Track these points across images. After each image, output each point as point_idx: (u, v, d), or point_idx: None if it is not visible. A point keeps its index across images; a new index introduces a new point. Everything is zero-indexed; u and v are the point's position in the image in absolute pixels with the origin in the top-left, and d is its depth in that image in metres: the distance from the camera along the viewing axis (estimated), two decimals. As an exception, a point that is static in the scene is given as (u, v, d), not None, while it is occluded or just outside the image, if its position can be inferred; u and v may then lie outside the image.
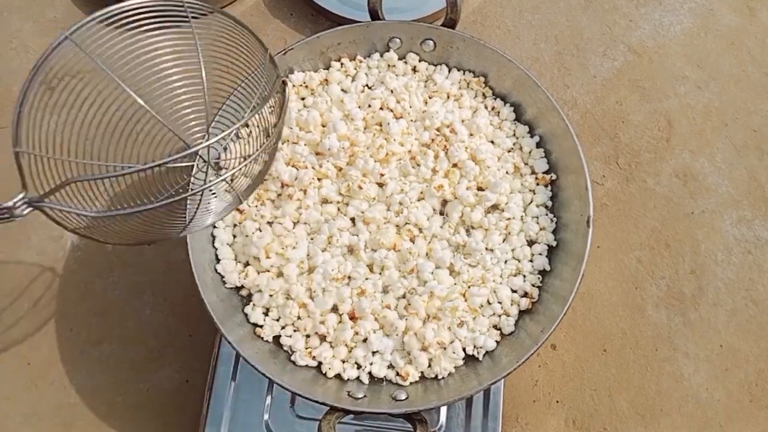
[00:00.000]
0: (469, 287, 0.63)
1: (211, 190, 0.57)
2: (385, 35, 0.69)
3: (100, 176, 0.53)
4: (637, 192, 0.85)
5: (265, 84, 0.58)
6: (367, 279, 0.63)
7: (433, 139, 0.66)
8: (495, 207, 0.66)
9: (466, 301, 0.63)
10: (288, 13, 0.96)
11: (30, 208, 0.49)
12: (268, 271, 0.64)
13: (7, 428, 0.78)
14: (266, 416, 0.70)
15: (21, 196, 0.49)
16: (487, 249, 0.64)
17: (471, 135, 0.67)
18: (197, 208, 0.56)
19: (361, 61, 0.71)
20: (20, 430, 0.78)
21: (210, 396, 0.71)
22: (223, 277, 0.65)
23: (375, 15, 0.68)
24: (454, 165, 0.66)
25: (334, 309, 0.63)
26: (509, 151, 0.69)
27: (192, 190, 0.56)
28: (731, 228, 0.84)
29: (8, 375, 0.80)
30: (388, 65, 0.71)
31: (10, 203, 0.49)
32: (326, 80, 0.71)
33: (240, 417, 0.70)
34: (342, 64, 0.71)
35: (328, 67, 0.71)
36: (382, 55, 0.71)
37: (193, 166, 0.58)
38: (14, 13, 0.98)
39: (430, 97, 0.69)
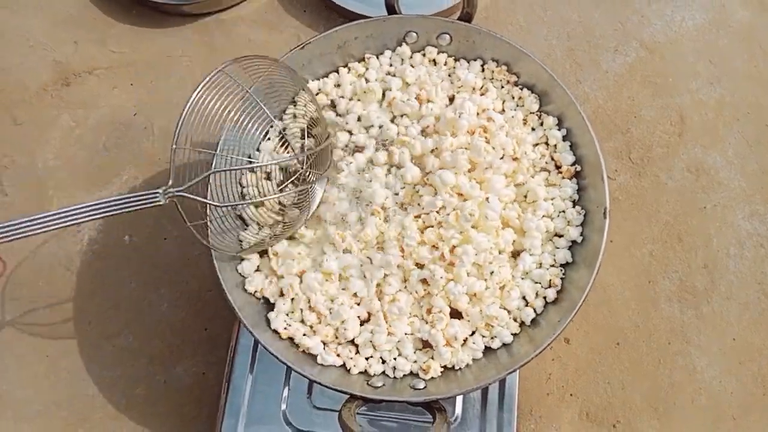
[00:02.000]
0: (501, 287, 0.63)
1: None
2: (402, 29, 0.69)
3: (236, 167, 0.66)
4: (650, 186, 0.86)
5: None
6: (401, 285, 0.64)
7: (473, 131, 0.66)
8: (527, 203, 0.66)
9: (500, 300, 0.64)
10: (302, 10, 0.97)
11: (170, 196, 0.58)
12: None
13: (27, 416, 0.79)
14: (284, 406, 0.71)
15: (170, 183, 0.58)
16: (529, 253, 0.65)
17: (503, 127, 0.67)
18: (311, 199, 0.65)
19: (369, 58, 0.71)
20: (39, 419, 0.79)
21: (228, 388, 0.72)
22: (244, 278, 0.66)
23: (392, 9, 0.69)
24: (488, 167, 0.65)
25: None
26: (536, 145, 0.69)
27: (307, 182, 0.66)
28: (743, 222, 0.84)
29: (27, 366, 0.81)
30: (402, 60, 0.71)
31: (159, 190, 0.57)
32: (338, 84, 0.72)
33: (257, 408, 0.71)
34: (349, 69, 0.72)
35: (346, 65, 0.72)
36: (394, 51, 0.72)
37: (298, 170, 0.68)
38: (31, 11, 0.99)
39: (456, 93, 0.70)
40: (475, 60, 0.70)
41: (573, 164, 0.66)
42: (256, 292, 0.64)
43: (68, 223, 0.55)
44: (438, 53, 0.71)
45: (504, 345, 0.62)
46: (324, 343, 0.63)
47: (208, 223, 0.63)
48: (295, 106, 0.70)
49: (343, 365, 0.62)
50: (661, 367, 0.79)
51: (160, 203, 0.57)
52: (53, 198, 0.89)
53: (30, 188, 0.89)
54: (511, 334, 0.62)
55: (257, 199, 0.66)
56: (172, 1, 0.94)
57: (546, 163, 0.67)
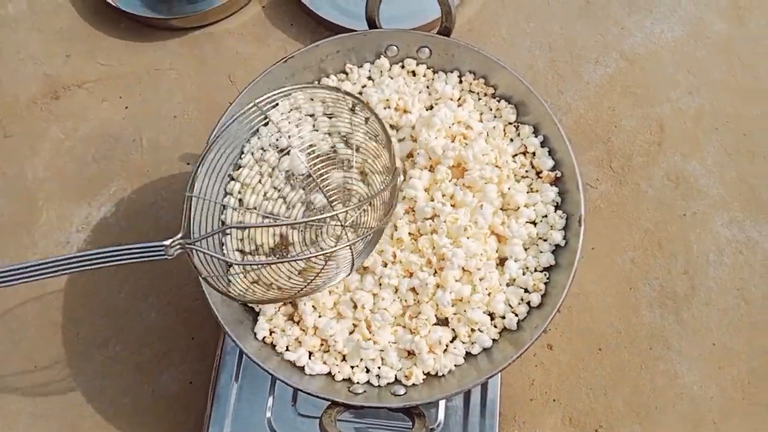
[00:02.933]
0: (489, 294, 0.64)
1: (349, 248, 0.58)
2: (383, 43, 0.71)
3: (255, 225, 0.57)
4: (631, 195, 0.87)
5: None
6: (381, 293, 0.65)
7: (453, 137, 0.67)
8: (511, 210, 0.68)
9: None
10: (288, 24, 0.99)
11: (181, 250, 0.52)
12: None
13: (16, 429, 0.80)
14: (269, 414, 0.71)
15: (179, 236, 0.52)
16: (514, 259, 0.66)
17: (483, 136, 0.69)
18: (336, 265, 0.58)
19: (350, 70, 0.73)
20: (28, 431, 0.80)
21: (213, 396, 0.73)
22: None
23: (372, 23, 0.70)
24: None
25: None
26: (515, 156, 0.70)
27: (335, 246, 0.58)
28: (723, 229, 0.86)
29: (16, 376, 0.82)
30: (381, 72, 0.73)
31: (167, 242, 0.52)
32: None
33: (243, 416, 0.72)
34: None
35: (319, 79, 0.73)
36: (373, 63, 0.73)
37: (331, 227, 0.60)
38: (21, 25, 1.00)
39: (433, 105, 0.71)
40: (452, 72, 0.72)
41: (553, 169, 0.68)
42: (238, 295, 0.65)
43: (65, 272, 0.51)
44: (417, 65, 0.73)
45: (485, 350, 0.63)
46: (310, 353, 0.64)
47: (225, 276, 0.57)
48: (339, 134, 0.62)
49: (329, 373, 0.63)
50: (642, 373, 0.80)
51: (167, 257, 0.52)
52: (43, 209, 0.90)
53: (20, 200, 0.90)
54: (492, 339, 0.64)
55: (282, 259, 0.57)
56: (161, 15, 0.96)
57: (526, 171, 0.69)
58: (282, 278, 0.59)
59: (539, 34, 0.97)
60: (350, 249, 0.54)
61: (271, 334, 0.65)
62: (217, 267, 0.58)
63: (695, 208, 0.87)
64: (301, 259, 0.56)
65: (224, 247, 0.64)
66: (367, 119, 0.60)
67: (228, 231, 0.58)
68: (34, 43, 0.99)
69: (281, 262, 0.56)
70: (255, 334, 0.65)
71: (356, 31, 0.72)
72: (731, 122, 0.91)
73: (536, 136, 0.69)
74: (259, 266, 0.59)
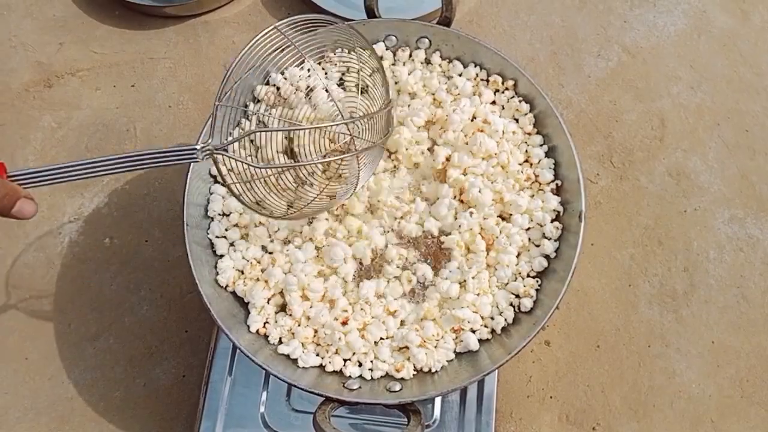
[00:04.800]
0: (477, 294, 0.63)
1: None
2: (381, 33, 0.70)
3: (279, 129, 0.62)
4: (631, 190, 0.86)
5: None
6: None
7: (471, 133, 0.66)
8: (502, 218, 0.67)
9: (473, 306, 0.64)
10: (286, 13, 0.97)
11: (208, 154, 0.54)
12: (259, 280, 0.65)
13: (6, 423, 0.78)
14: (262, 409, 0.70)
15: (209, 140, 0.55)
16: (503, 264, 0.65)
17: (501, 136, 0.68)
18: (359, 168, 0.61)
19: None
20: (19, 425, 0.78)
21: (206, 390, 0.71)
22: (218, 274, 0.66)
23: (371, 13, 0.69)
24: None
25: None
26: (521, 164, 0.69)
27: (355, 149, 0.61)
28: (723, 226, 0.85)
29: (6, 370, 0.80)
30: (394, 62, 0.72)
31: (198, 145, 0.54)
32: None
33: (236, 410, 0.70)
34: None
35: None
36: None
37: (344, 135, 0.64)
38: (13, 11, 0.98)
39: (453, 100, 0.70)
40: (466, 66, 0.71)
41: (552, 182, 0.67)
42: (227, 286, 0.64)
43: (94, 174, 0.51)
44: (431, 53, 0.72)
45: (480, 347, 0.63)
46: (303, 344, 0.63)
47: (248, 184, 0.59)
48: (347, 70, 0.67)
49: (321, 366, 0.62)
50: (640, 370, 0.79)
51: (197, 160, 0.54)
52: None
53: (10, 189, 0.88)
54: (483, 339, 0.63)
55: (301, 162, 0.61)
56: (156, 3, 0.94)
57: (529, 180, 0.68)
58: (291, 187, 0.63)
59: (540, 27, 0.95)
60: (357, 159, 0.59)
61: (264, 325, 0.64)
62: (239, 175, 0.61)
63: (696, 204, 0.86)
64: (320, 162, 0.61)
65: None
66: (368, 55, 0.64)
67: (252, 136, 0.61)
68: (26, 30, 0.97)
69: (305, 165, 0.61)
70: (248, 327, 0.64)
71: (351, 20, 0.70)
72: (733, 118, 0.90)
73: (541, 145, 0.68)
74: (277, 172, 0.61)
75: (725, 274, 0.83)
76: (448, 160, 0.66)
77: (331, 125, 0.59)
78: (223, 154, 0.55)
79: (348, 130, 0.60)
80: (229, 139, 0.55)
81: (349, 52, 0.69)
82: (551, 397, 0.78)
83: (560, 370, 0.79)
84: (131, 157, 0.51)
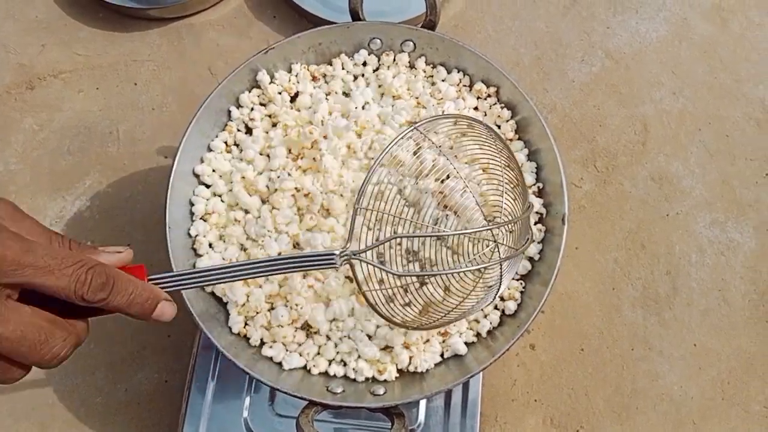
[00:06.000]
0: (463, 299, 0.63)
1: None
2: (366, 36, 0.70)
3: (424, 234, 0.57)
4: (614, 194, 0.87)
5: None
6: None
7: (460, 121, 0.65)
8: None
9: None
10: (271, 16, 0.97)
11: (346, 260, 0.53)
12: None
13: (-18, 428, 0.77)
14: (245, 414, 0.70)
15: (348, 246, 0.53)
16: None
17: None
18: (501, 276, 0.57)
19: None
20: (-5, 431, 0.77)
21: (189, 395, 0.71)
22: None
23: (356, 16, 0.69)
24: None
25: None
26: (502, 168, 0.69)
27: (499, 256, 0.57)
28: (704, 230, 0.86)
29: (-17, 375, 0.79)
30: (378, 65, 0.72)
31: (337, 251, 0.52)
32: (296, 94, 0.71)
33: (219, 416, 0.70)
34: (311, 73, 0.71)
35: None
36: (351, 57, 0.71)
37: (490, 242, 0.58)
38: (-6, 12, 0.97)
39: (437, 103, 0.70)
40: (450, 72, 0.71)
41: (534, 185, 0.67)
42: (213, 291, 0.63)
43: (234, 279, 0.51)
44: (416, 57, 0.72)
45: (466, 350, 0.63)
46: (284, 345, 0.63)
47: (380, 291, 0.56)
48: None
49: (305, 367, 0.62)
50: (624, 373, 0.79)
51: (336, 266, 0.52)
52: (15, 202, 0.86)
53: (-10, 192, 0.87)
54: (469, 343, 0.63)
55: (444, 271, 0.55)
56: (140, 5, 0.93)
57: (511, 183, 0.68)
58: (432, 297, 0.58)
59: (524, 32, 0.96)
60: (500, 266, 0.56)
61: (245, 326, 0.64)
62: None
63: (678, 208, 0.87)
64: (466, 270, 0.55)
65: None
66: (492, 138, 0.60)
67: (398, 241, 0.57)
68: (7, 31, 0.96)
69: (454, 273, 0.55)
70: (230, 328, 0.63)
71: (337, 23, 0.71)
72: (713, 123, 0.91)
73: (522, 150, 0.69)
74: (416, 280, 0.58)
75: (707, 278, 0.84)
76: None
77: (484, 229, 0.55)
78: (361, 260, 0.53)
79: (492, 234, 0.56)
80: (369, 244, 0.52)
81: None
82: (536, 401, 0.78)
83: (544, 373, 0.79)
84: (271, 263, 0.51)
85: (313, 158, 0.65)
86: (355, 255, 0.52)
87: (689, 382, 0.79)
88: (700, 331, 0.81)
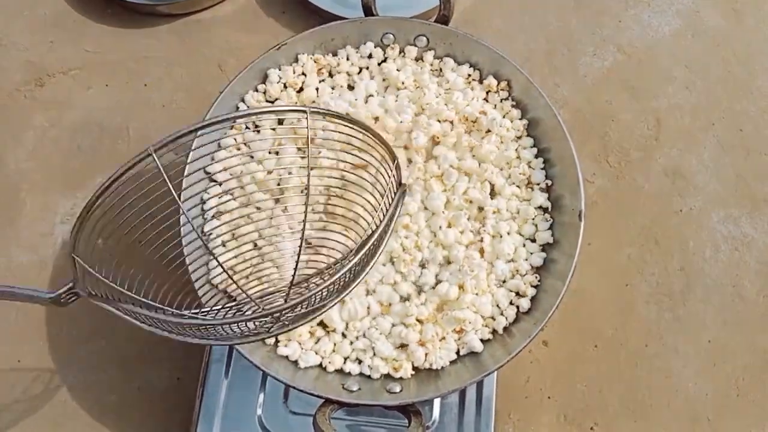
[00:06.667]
0: (476, 294, 0.63)
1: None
2: (379, 31, 0.69)
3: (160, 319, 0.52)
4: (627, 190, 0.87)
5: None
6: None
7: (466, 118, 0.65)
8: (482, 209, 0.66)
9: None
10: (280, 11, 0.96)
11: (74, 297, 0.51)
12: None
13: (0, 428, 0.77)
14: (259, 411, 0.70)
15: (67, 287, 0.52)
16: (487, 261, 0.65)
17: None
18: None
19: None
20: (11, 430, 0.77)
21: (202, 393, 0.71)
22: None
23: (368, 11, 0.68)
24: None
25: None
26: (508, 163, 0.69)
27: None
28: (719, 225, 0.85)
29: (-3, 373, 0.79)
30: (384, 59, 0.71)
31: (53, 294, 0.50)
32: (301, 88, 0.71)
33: (233, 413, 0.70)
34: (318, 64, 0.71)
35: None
36: (357, 49, 0.71)
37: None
38: (3, 10, 0.97)
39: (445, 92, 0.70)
40: (461, 65, 0.70)
41: (543, 181, 0.67)
42: (221, 283, 0.63)
43: None
44: (427, 51, 0.71)
45: (482, 347, 0.62)
46: (299, 343, 0.62)
47: None
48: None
49: (320, 365, 0.62)
50: (638, 370, 0.79)
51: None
52: (26, 200, 0.87)
53: (2, 190, 0.87)
54: (485, 339, 0.63)
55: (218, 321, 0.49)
56: (149, 1, 0.93)
57: (524, 174, 0.68)
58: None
59: (535, 26, 0.95)
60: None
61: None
62: None
63: (691, 204, 0.86)
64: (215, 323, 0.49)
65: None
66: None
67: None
68: (17, 28, 0.96)
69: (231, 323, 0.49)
70: None
71: (349, 18, 0.70)
72: (727, 117, 0.90)
73: (533, 147, 0.68)
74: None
75: (721, 273, 0.83)
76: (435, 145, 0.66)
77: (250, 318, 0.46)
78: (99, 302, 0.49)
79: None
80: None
81: None
82: (549, 398, 0.78)
83: (558, 370, 0.79)
84: None
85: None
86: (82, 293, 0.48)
87: (704, 378, 0.79)
88: (714, 327, 0.81)
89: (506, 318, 0.63)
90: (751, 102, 0.91)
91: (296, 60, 0.69)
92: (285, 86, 0.69)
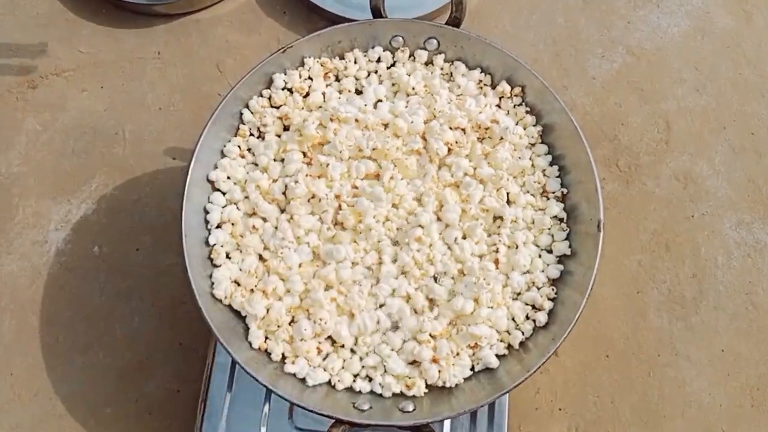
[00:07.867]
0: (491, 308, 0.61)
1: None
2: (388, 33, 0.67)
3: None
4: (638, 195, 0.85)
5: None
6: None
7: (479, 126, 0.64)
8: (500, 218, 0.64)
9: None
10: (281, 11, 0.94)
11: None
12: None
13: (-11, 443, 0.74)
14: (263, 429, 0.67)
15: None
16: (501, 272, 0.62)
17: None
18: None
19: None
20: (2, 445, 0.75)
21: (204, 407, 0.68)
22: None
23: (377, 12, 0.66)
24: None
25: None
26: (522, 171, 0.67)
27: None
28: (731, 231, 0.83)
29: (-11, 387, 0.76)
30: (393, 63, 0.69)
31: None
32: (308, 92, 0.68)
33: (236, 429, 0.67)
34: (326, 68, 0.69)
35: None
36: (365, 52, 0.68)
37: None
38: (-5, 9, 0.94)
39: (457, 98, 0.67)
40: (472, 69, 0.68)
41: (558, 190, 0.65)
42: (225, 297, 0.60)
43: None
44: (436, 54, 0.69)
45: (498, 363, 0.60)
46: (307, 360, 0.60)
47: None
48: None
49: (329, 382, 0.59)
50: (650, 379, 0.77)
51: None
52: (18, 206, 0.84)
53: (-7, 195, 0.84)
54: (500, 355, 0.60)
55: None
56: (144, 0, 0.90)
57: (539, 183, 0.66)
58: None
59: (543, 28, 0.93)
60: None
61: (266, 340, 0.61)
62: None
63: (703, 209, 0.84)
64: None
65: None
66: None
67: None
68: (9, 29, 0.93)
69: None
70: (250, 343, 0.60)
71: (351, 19, 0.68)
72: (738, 120, 0.89)
73: (547, 154, 0.66)
74: None
75: (734, 280, 0.81)
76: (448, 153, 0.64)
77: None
78: None
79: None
80: None
81: None
82: (560, 409, 0.76)
83: (569, 380, 0.77)
84: None
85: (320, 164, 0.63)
86: None
87: (717, 388, 0.77)
88: (727, 335, 0.79)
89: (522, 333, 0.61)
90: (762, 104, 0.89)
91: (302, 64, 0.67)
92: (291, 91, 0.67)
